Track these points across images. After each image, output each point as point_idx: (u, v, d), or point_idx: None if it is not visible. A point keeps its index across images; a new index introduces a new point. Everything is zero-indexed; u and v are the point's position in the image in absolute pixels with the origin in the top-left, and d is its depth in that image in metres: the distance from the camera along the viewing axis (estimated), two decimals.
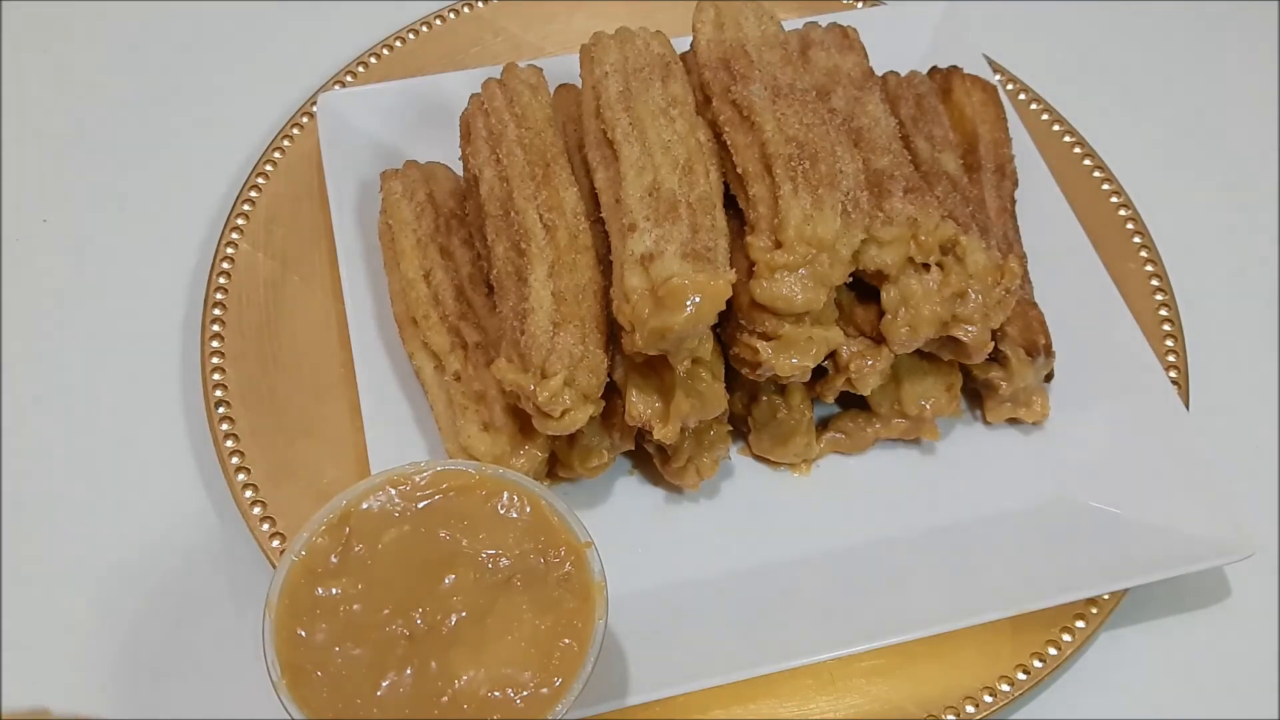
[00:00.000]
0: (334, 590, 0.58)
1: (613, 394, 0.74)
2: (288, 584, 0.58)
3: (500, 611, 0.58)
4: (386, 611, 0.57)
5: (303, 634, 0.56)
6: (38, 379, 0.87)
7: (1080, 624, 0.73)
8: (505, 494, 0.62)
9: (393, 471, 0.61)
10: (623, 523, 0.79)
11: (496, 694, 0.55)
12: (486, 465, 0.66)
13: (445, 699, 0.55)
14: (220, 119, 1.03)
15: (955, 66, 0.94)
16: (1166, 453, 0.79)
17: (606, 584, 0.60)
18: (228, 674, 0.74)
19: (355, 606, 0.57)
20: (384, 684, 0.55)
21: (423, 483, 0.62)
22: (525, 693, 0.56)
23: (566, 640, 0.57)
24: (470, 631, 0.57)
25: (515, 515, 0.61)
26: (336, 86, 0.99)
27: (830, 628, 0.72)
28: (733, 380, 0.76)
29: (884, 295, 0.75)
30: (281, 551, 0.74)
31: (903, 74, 0.92)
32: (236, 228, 0.90)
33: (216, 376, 0.82)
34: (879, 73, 0.88)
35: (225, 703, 0.73)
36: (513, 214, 0.75)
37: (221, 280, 0.87)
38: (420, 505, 0.60)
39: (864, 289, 0.77)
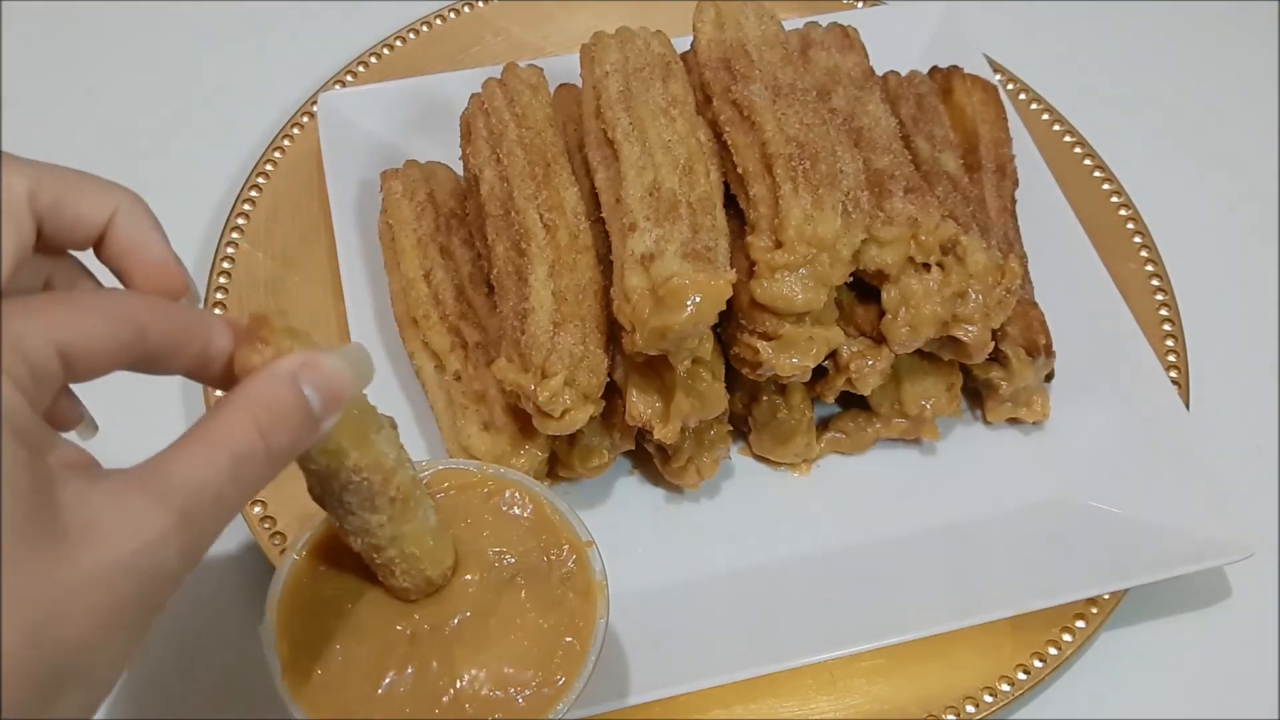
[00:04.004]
0: (336, 589, 0.58)
1: (613, 394, 0.74)
2: (289, 583, 0.58)
3: (503, 610, 0.57)
4: (388, 611, 0.57)
5: (303, 632, 0.56)
6: None
7: (1080, 624, 0.73)
8: (507, 492, 0.62)
9: None
10: (623, 522, 0.79)
11: (498, 693, 0.55)
12: (487, 464, 0.65)
13: (447, 698, 0.55)
14: (220, 119, 1.03)
15: (956, 66, 0.94)
16: (1166, 452, 0.79)
17: (608, 583, 0.60)
18: (227, 673, 0.74)
19: (357, 606, 0.57)
20: (385, 683, 0.55)
21: (424, 481, 0.62)
22: (527, 692, 0.55)
23: (569, 639, 0.57)
24: (473, 630, 0.57)
25: (517, 514, 0.61)
26: (336, 86, 0.99)
27: (830, 628, 0.72)
28: (733, 380, 0.76)
29: (884, 295, 0.75)
30: (282, 550, 0.74)
31: (903, 74, 0.92)
32: (237, 227, 0.90)
33: None
34: (879, 72, 0.88)
35: (224, 702, 0.73)
36: (513, 214, 0.75)
37: (222, 280, 0.87)
38: None
39: (864, 289, 0.77)
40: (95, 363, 0.42)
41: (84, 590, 0.37)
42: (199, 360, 0.45)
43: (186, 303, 0.49)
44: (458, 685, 0.55)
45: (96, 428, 0.53)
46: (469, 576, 0.59)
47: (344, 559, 0.58)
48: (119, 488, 0.40)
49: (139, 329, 0.43)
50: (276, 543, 0.74)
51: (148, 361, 0.44)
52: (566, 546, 0.60)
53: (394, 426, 0.53)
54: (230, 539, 0.79)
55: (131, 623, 0.39)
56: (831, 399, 0.79)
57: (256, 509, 0.76)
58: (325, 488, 0.52)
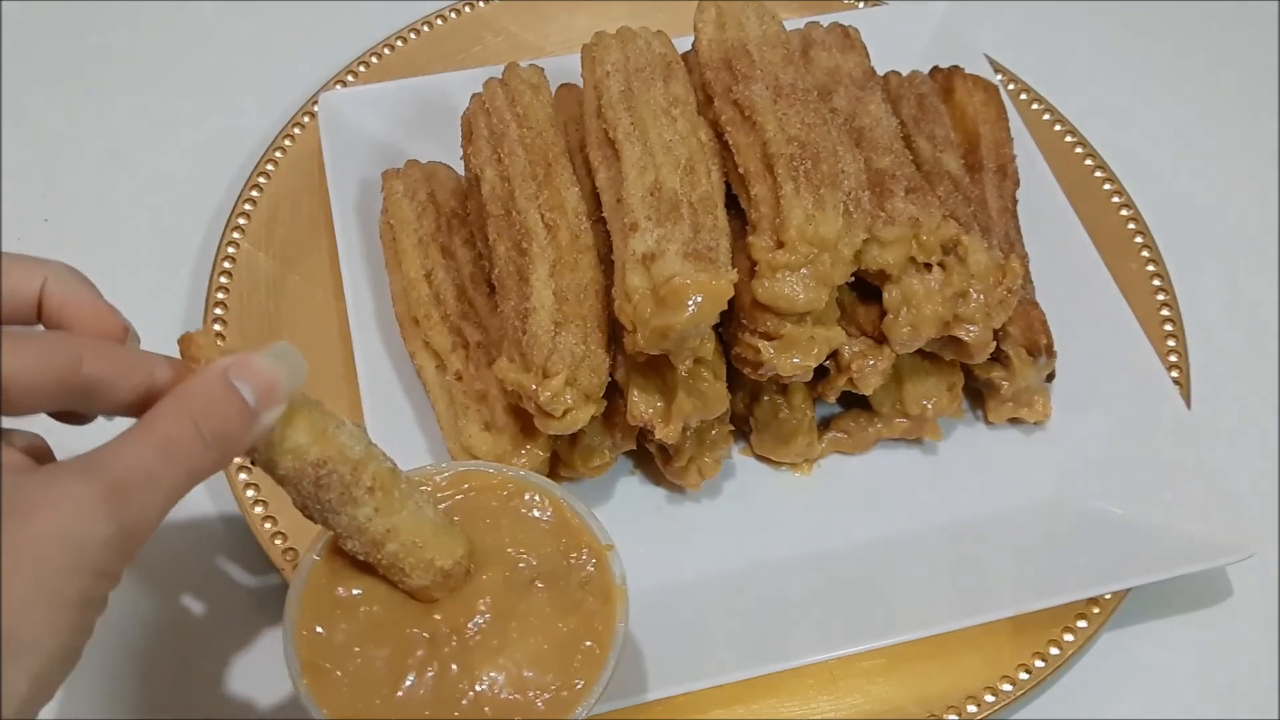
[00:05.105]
0: (355, 590, 0.57)
1: (614, 394, 0.74)
2: (309, 583, 0.57)
3: (523, 613, 0.57)
4: (408, 612, 0.57)
5: (323, 633, 0.56)
6: None
7: (1081, 624, 0.73)
8: (527, 495, 0.62)
9: (413, 472, 0.61)
10: (624, 522, 0.78)
11: (518, 696, 0.55)
12: (507, 466, 0.65)
13: (466, 701, 0.55)
14: (220, 119, 1.03)
15: (957, 66, 0.94)
16: (1167, 453, 0.79)
17: (628, 587, 0.59)
18: (227, 673, 0.74)
19: (376, 607, 0.57)
20: (405, 685, 0.55)
21: (443, 483, 0.61)
22: (547, 695, 0.55)
23: (588, 643, 0.57)
24: (493, 633, 0.57)
25: (537, 516, 0.61)
26: (337, 86, 0.99)
27: (831, 628, 0.72)
28: (734, 380, 0.76)
29: (886, 295, 0.75)
30: (284, 551, 0.74)
31: (904, 74, 0.92)
32: (237, 227, 0.90)
33: None
34: (880, 72, 0.88)
35: (224, 703, 0.73)
36: (514, 213, 0.75)
37: (222, 280, 0.87)
38: (441, 506, 0.60)
39: (866, 289, 0.77)
40: (31, 391, 0.45)
41: (16, 558, 0.40)
42: (142, 395, 0.48)
43: (129, 345, 0.51)
44: (477, 688, 0.55)
45: None
46: (488, 577, 0.58)
47: (363, 561, 0.58)
48: (52, 472, 0.43)
49: (74, 357, 0.46)
50: (278, 543, 0.74)
51: (88, 394, 0.47)
52: (586, 550, 0.60)
53: (359, 425, 0.54)
54: (231, 539, 0.79)
55: (68, 588, 0.42)
56: (833, 399, 0.79)
57: (258, 508, 0.76)
58: (302, 493, 0.52)
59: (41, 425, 0.51)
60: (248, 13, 1.11)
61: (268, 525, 0.75)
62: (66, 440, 0.51)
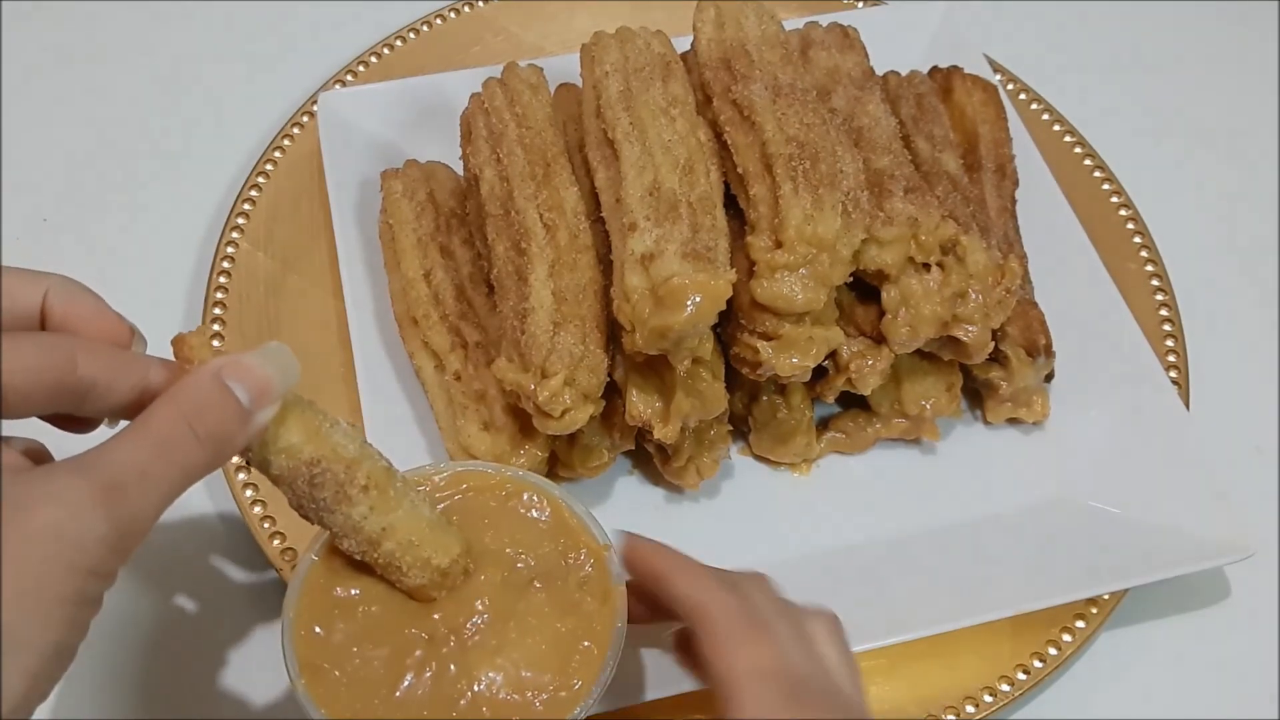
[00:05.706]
0: (353, 591, 0.57)
1: (613, 394, 0.74)
2: (307, 583, 0.57)
3: (521, 613, 0.57)
4: (406, 612, 0.57)
5: (321, 633, 0.56)
6: None
7: (1080, 624, 0.73)
8: (525, 495, 0.62)
9: (412, 472, 0.61)
10: (623, 522, 0.77)
11: (516, 696, 0.55)
12: (505, 466, 0.65)
13: (465, 701, 0.55)
14: (220, 119, 1.03)
15: (956, 66, 0.94)
16: (1166, 452, 0.79)
17: (625, 587, 0.59)
18: (225, 673, 0.74)
19: (374, 608, 0.57)
20: (404, 685, 0.55)
21: (442, 483, 0.62)
22: (545, 695, 0.55)
23: (586, 643, 0.57)
24: (491, 633, 0.57)
25: (535, 516, 0.61)
26: (336, 86, 0.99)
27: None
28: (733, 380, 0.76)
29: (884, 295, 0.75)
30: (283, 551, 0.74)
31: (903, 74, 0.92)
32: (237, 227, 0.90)
33: None
34: (879, 72, 0.88)
35: (222, 702, 0.73)
36: (513, 213, 0.75)
37: (222, 280, 0.87)
38: (439, 506, 0.60)
39: (864, 289, 0.77)
40: (26, 391, 0.45)
41: (12, 555, 0.41)
42: (137, 397, 0.48)
43: (135, 347, 0.52)
44: (475, 688, 0.55)
45: None
46: (486, 578, 0.58)
47: (361, 561, 0.58)
48: (47, 471, 0.44)
49: (69, 358, 0.46)
50: (276, 543, 0.74)
51: (83, 395, 0.47)
52: (584, 550, 0.60)
53: (353, 425, 0.55)
54: (229, 539, 0.79)
55: (64, 586, 0.42)
56: (831, 399, 0.79)
57: (257, 508, 0.76)
58: (297, 492, 0.53)
59: (42, 435, 0.51)
60: (247, 12, 1.11)
61: (266, 525, 0.75)
62: (66, 446, 0.50)
